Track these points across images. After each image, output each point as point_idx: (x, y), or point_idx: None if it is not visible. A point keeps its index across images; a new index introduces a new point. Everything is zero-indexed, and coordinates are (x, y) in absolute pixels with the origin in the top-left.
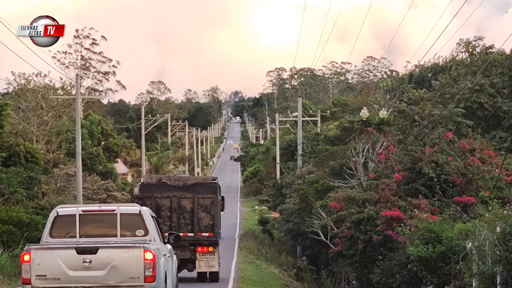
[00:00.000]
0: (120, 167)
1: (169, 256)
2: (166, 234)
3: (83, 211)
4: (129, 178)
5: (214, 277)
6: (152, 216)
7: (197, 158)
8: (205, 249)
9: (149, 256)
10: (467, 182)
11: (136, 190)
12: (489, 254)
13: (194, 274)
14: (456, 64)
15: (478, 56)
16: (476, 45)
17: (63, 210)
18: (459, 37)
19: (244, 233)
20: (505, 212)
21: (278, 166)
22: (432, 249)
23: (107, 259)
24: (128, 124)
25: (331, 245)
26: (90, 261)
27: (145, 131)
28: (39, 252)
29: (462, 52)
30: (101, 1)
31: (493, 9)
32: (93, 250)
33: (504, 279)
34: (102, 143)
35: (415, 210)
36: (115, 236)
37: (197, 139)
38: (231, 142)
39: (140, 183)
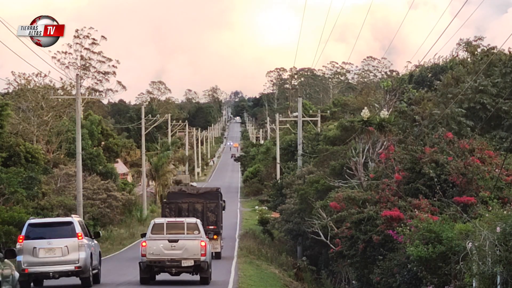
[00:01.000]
0: (120, 167)
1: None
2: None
3: (167, 221)
4: (129, 178)
5: (217, 255)
6: (202, 223)
7: (197, 158)
8: (211, 237)
9: (203, 243)
10: (467, 182)
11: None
12: (489, 254)
13: None
14: (457, 64)
15: (480, 57)
16: (477, 45)
17: (157, 220)
18: (459, 37)
19: (244, 233)
20: (505, 212)
21: (278, 166)
22: (432, 249)
23: (183, 245)
24: (128, 124)
25: (331, 245)
26: (175, 246)
27: (145, 131)
28: (150, 241)
29: (464, 51)
30: (101, 1)
31: (493, 9)
32: (176, 240)
33: (504, 279)
34: (102, 143)
35: (415, 210)
36: (184, 234)
37: (197, 139)
38: (231, 143)
39: (167, 191)
